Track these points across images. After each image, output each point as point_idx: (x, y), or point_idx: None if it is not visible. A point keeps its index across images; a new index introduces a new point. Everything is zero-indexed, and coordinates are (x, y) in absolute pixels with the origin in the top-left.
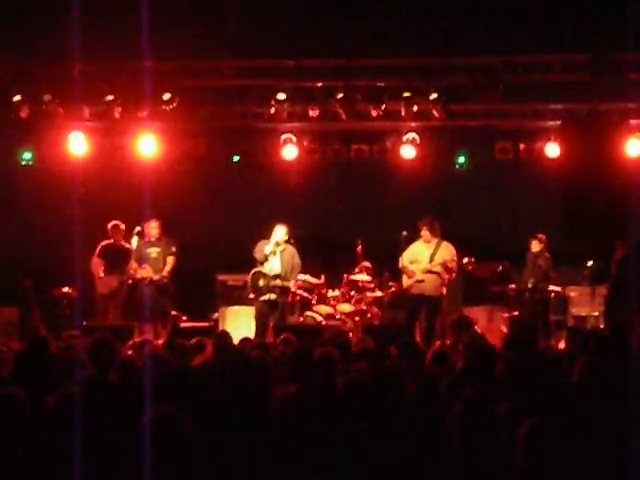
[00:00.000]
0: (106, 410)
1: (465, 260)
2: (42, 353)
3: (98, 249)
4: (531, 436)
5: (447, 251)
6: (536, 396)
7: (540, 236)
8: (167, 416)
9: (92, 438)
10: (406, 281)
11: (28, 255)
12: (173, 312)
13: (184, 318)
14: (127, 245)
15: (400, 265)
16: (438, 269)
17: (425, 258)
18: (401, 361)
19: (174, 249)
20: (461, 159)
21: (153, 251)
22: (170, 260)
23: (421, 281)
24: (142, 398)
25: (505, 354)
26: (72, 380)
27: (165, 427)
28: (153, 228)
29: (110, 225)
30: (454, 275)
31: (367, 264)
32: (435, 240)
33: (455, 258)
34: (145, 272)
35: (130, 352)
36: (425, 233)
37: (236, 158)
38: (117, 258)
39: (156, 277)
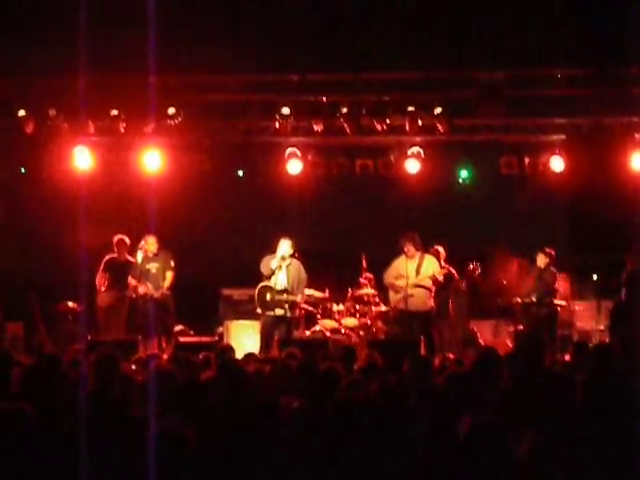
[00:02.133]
0: (111, 425)
1: (470, 266)
2: (53, 369)
3: (103, 263)
4: (534, 452)
5: (433, 264)
6: (540, 411)
7: (548, 250)
8: (172, 431)
9: (97, 453)
10: (393, 297)
11: (33, 270)
12: (179, 327)
13: (191, 333)
14: (131, 259)
15: (386, 282)
16: (426, 282)
17: (412, 272)
18: (409, 376)
19: (173, 264)
20: (464, 173)
21: (152, 267)
22: (169, 275)
23: (410, 296)
24: (147, 413)
25: (510, 368)
26: (78, 395)
27: (170, 442)
28: (151, 244)
29: (115, 239)
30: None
31: (369, 275)
32: (418, 254)
33: (441, 270)
34: (145, 289)
35: (134, 367)
36: (410, 248)
37: (240, 173)
38: (121, 273)
39: (156, 294)
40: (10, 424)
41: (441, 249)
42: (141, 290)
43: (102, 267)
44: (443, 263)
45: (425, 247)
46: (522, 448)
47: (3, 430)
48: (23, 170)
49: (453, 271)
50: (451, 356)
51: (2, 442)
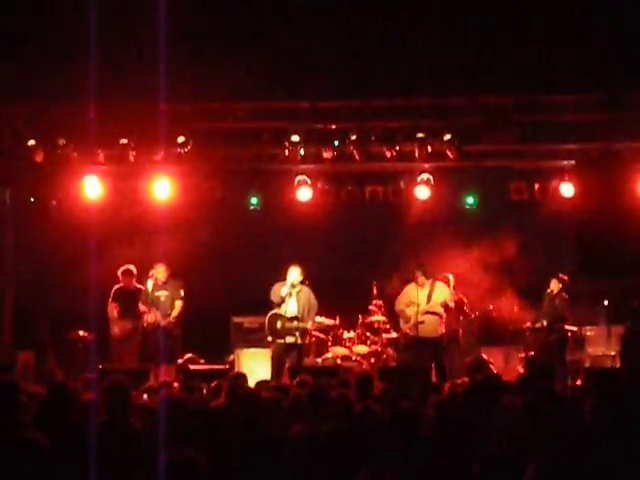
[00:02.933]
0: (122, 454)
1: (491, 307)
2: (61, 398)
3: (112, 294)
4: (544, 477)
5: (444, 290)
6: (551, 437)
7: (561, 276)
8: (184, 459)
9: None
10: (404, 324)
11: (44, 298)
12: (188, 354)
13: (201, 361)
14: (140, 287)
15: (397, 309)
16: (437, 309)
17: (423, 299)
18: (419, 403)
19: (182, 293)
20: (470, 199)
21: (161, 294)
22: (178, 304)
23: (421, 322)
24: (158, 441)
25: (520, 394)
26: (88, 424)
27: (182, 471)
28: (160, 272)
29: (120, 271)
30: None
31: (379, 302)
32: (429, 281)
33: (453, 297)
34: (154, 317)
35: (146, 396)
36: (421, 278)
37: (254, 201)
38: (130, 301)
39: (163, 322)
40: (23, 454)
41: (451, 276)
42: (150, 318)
43: (111, 297)
44: (453, 290)
45: (435, 274)
46: (531, 473)
47: (16, 460)
48: (32, 199)
49: (464, 298)
50: (462, 382)
51: (16, 472)
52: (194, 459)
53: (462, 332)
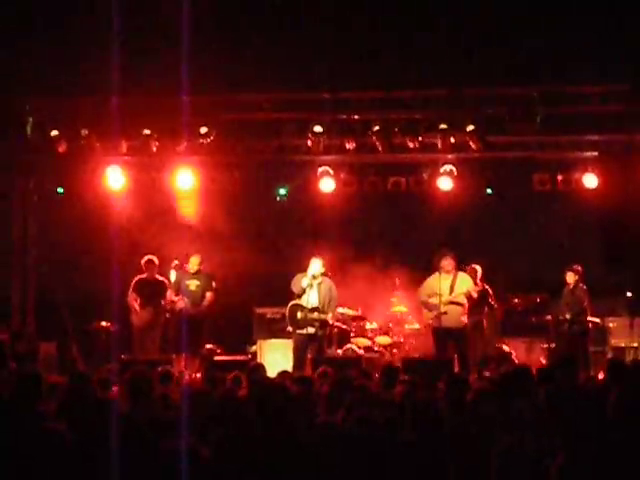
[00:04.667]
0: (144, 444)
1: (516, 300)
2: (83, 388)
3: (133, 284)
4: (565, 470)
5: (467, 281)
6: (572, 429)
7: (575, 267)
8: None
9: (130, 472)
10: (427, 315)
11: (66, 289)
12: (209, 345)
13: (217, 351)
14: (161, 278)
15: (420, 300)
16: (461, 299)
17: (445, 290)
18: (445, 394)
19: (214, 285)
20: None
21: (192, 284)
22: (209, 296)
23: (444, 313)
24: (179, 431)
25: (543, 386)
26: (111, 414)
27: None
28: (194, 263)
29: (144, 260)
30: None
31: (402, 293)
32: (453, 271)
33: (475, 287)
34: (182, 304)
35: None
36: (451, 263)
37: (283, 191)
38: (152, 292)
39: (192, 311)
40: (45, 444)
41: (478, 267)
42: (179, 305)
43: (132, 288)
44: (479, 281)
45: (460, 265)
46: (554, 466)
47: (39, 450)
48: (61, 190)
49: (488, 289)
50: (487, 374)
51: (38, 462)
52: (195, 448)
53: (486, 323)
